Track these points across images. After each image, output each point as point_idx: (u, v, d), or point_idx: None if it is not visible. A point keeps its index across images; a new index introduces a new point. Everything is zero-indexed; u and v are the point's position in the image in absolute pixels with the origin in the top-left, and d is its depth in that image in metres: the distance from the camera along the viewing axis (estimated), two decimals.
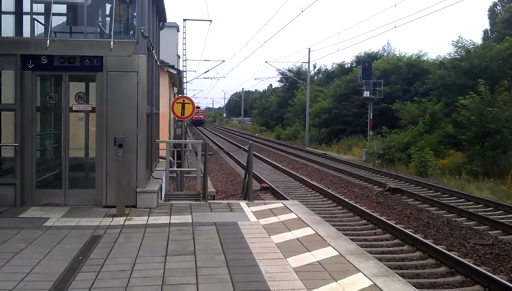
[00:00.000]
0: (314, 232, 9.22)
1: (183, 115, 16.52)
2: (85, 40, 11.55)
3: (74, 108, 11.69)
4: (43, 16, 12.36)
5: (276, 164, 31.60)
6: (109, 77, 11.42)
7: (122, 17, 12.14)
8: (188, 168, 22.92)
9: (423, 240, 12.45)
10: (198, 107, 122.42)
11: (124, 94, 11.45)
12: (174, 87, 36.08)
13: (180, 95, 44.36)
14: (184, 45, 47.64)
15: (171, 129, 31.80)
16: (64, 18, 12.74)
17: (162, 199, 12.99)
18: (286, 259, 7.58)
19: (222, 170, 28.90)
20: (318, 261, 7.46)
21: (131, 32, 12.35)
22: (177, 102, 16.66)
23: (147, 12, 12.53)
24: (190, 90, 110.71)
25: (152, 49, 13.73)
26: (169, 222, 10.13)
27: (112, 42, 10.54)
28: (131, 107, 11.48)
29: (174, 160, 17.76)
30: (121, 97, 11.44)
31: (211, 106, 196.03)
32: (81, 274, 6.93)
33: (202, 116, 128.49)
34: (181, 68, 40.98)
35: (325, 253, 7.89)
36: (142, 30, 11.68)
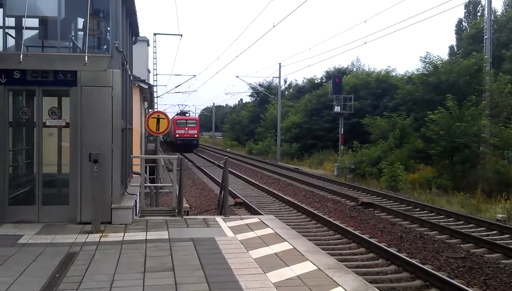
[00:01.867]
0: (292, 247, 9.24)
1: (158, 130, 16.44)
2: (59, 55, 11.42)
3: (47, 123, 11.55)
4: (13, 30, 12.24)
5: (248, 178, 31.58)
6: (83, 92, 11.33)
7: (95, 32, 12.08)
8: (161, 183, 22.75)
9: (397, 253, 12.56)
10: (184, 113, 78.32)
11: (99, 109, 11.37)
12: (145, 102, 35.85)
13: (151, 110, 44.09)
14: (154, 59, 47.40)
15: (143, 145, 31.53)
16: (36, 32, 12.61)
17: (137, 215, 12.88)
18: (266, 274, 7.58)
19: (195, 185, 28.77)
20: (297, 276, 7.48)
21: (105, 47, 12.30)
22: (152, 117, 16.58)
23: (121, 26, 12.48)
24: (160, 105, 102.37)
25: (126, 64, 13.67)
26: (146, 238, 10.06)
27: (86, 56, 10.47)
28: (106, 122, 11.40)
29: (147, 175, 17.62)
30: (96, 112, 11.36)
31: None
32: None
33: (195, 132, 71.55)
34: (151, 83, 40.72)
35: (304, 267, 7.92)
36: (117, 45, 11.64)
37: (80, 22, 12.74)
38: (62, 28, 11.76)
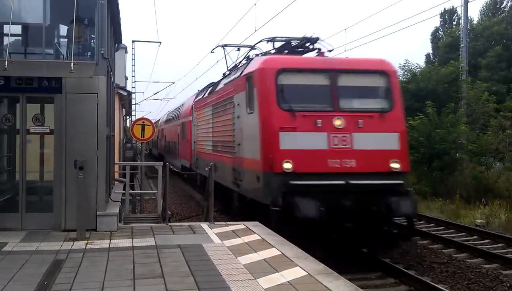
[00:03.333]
0: (280, 253, 9.28)
1: (143, 137, 16.40)
2: (45, 62, 11.35)
3: (31, 130, 11.47)
4: None
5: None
6: (68, 99, 11.27)
7: (81, 38, 12.04)
8: (140, 190, 22.64)
9: (381, 259, 12.67)
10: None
11: (84, 116, 11.32)
12: (123, 109, 35.73)
13: (128, 117, 43.82)
14: (133, 66, 47.22)
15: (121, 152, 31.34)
16: (16, 38, 12.52)
17: (121, 222, 12.82)
18: (256, 280, 7.61)
19: (176, 192, 28.69)
20: (288, 282, 7.52)
21: (89, 54, 12.27)
22: (137, 124, 16.53)
23: (106, 33, 12.47)
24: (138, 112, 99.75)
25: (110, 71, 13.64)
26: (132, 245, 10.01)
27: (72, 63, 10.43)
28: (91, 129, 11.35)
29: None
30: (81, 119, 11.31)
31: None
32: None
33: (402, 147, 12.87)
34: (129, 90, 40.50)
35: (294, 273, 7.96)
36: (102, 52, 11.61)
37: (64, 29, 12.68)
38: (46, 35, 11.70)
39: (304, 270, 8.12)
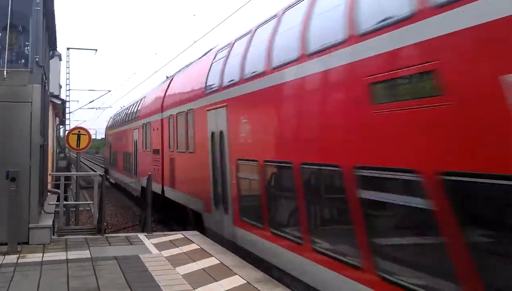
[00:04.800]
0: (219, 262, 9.29)
1: (79, 147, 16.00)
2: None
3: None
4: None
5: None
6: (0, 107, 10.92)
7: (14, 45, 11.72)
8: (74, 201, 22.09)
9: None
10: None
11: (17, 125, 10.99)
12: (56, 118, 34.79)
13: (62, 126, 42.68)
14: (67, 74, 46.16)
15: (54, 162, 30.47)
16: None
17: (55, 234, 12.48)
18: (195, 290, 7.58)
19: (111, 203, 28.18)
20: None
21: (23, 61, 11.95)
22: (72, 133, 16.11)
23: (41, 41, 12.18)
24: (73, 121, 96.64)
25: (45, 79, 13.32)
26: (67, 258, 9.78)
27: (5, 71, 10.14)
28: (24, 138, 11.02)
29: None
30: (14, 128, 10.97)
31: (94, 137, 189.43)
32: None
33: None
34: (63, 98, 39.50)
35: (233, 282, 7.98)
36: (37, 59, 11.33)
37: None
38: None
39: (243, 278, 8.15)
